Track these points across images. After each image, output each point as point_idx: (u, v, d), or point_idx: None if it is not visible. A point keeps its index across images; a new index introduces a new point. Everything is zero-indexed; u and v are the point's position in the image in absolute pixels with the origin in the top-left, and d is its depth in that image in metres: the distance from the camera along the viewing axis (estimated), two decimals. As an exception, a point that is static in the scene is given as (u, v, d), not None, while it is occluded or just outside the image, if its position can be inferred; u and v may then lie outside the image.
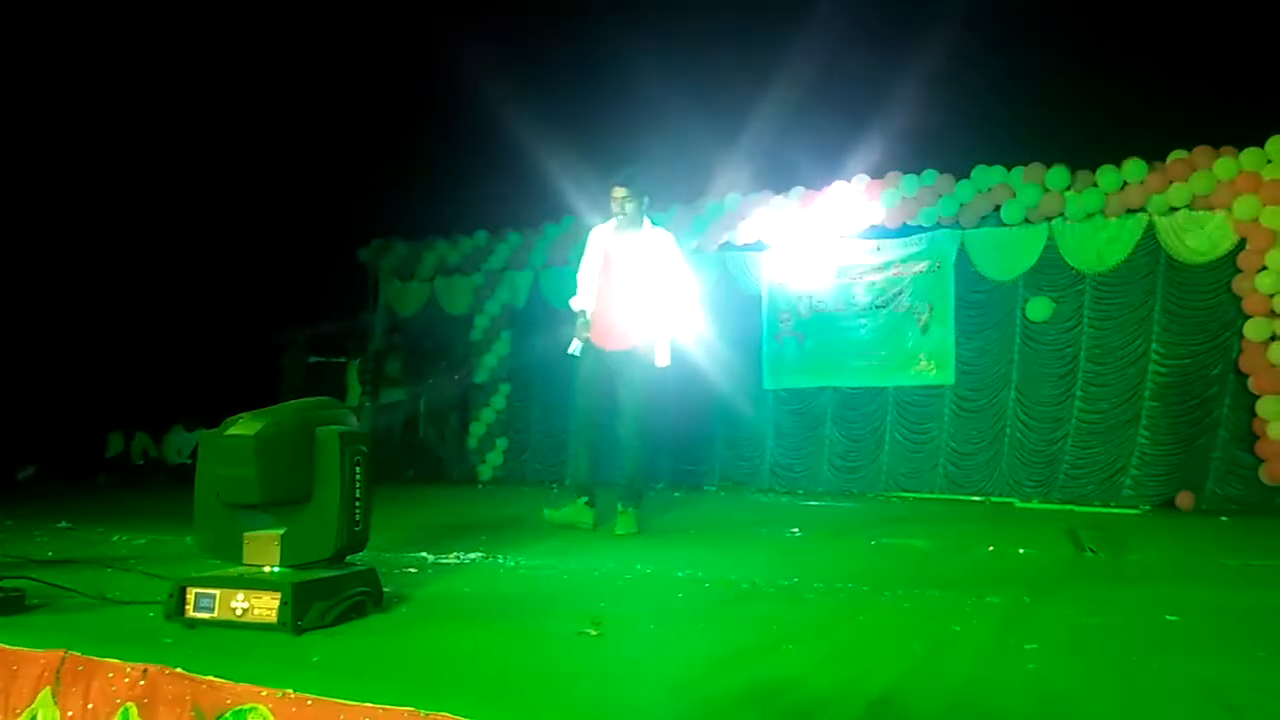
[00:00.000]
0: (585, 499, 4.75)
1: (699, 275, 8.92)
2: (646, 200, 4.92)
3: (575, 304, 4.98)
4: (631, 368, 4.73)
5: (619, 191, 4.83)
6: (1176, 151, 7.16)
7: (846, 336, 8.40)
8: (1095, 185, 7.36)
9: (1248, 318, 6.82)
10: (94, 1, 9.19)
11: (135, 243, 10.59)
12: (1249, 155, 6.88)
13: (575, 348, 4.90)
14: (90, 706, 1.79)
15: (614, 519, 4.64)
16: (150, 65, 9.85)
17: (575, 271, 5.13)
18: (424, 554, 3.57)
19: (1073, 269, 7.53)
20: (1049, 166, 7.50)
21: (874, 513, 6.01)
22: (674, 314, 4.88)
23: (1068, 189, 7.46)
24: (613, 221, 4.96)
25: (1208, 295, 7.10)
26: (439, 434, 9.67)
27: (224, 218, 10.84)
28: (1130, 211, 7.31)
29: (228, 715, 1.65)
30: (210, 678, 1.71)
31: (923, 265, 8.10)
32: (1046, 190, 7.51)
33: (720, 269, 8.93)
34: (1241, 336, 6.85)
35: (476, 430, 9.85)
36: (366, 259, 10.64)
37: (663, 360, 4.79)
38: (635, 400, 4.73)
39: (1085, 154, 7.46)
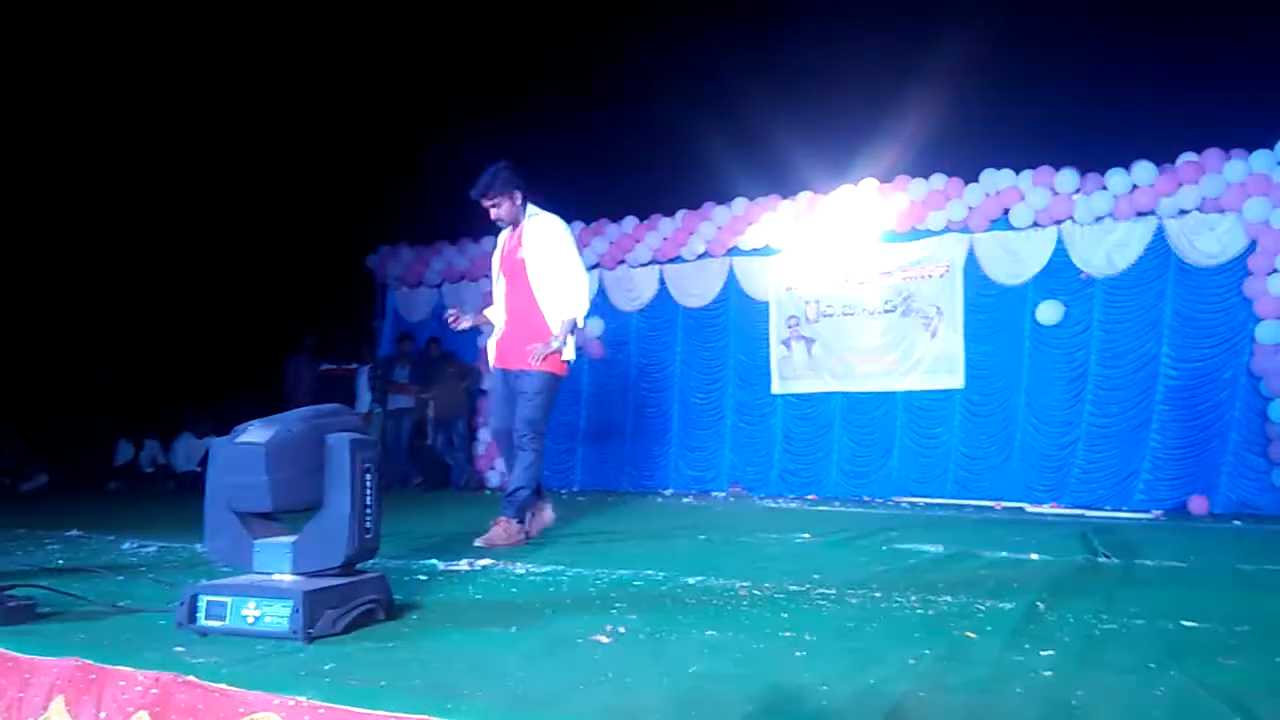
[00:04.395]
0: None
1: (707, 280, 8.98)
2: (519, 195, 4.42)
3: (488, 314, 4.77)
4: (522, 382, 4.40)
5: (483, 203, 4.39)
6: (1186, 154, 7.14)
7: (855, 341, 8.38)
8: (1104, 188, 7.34)
9: (1259, 320, 6.80)
10: (93, 10, 9.25)
11: (144, 251, 10.63)
12: (1259, 157, 6.87)
13: (458, 321, 4.68)
14: (103, 715, 1.79)
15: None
16: (157, 74, 9.90)
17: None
18: (434, 561, 3.57)
19: (1082, 272, 7.52)
20: (1058, 169, 7.49)
21: (884, 518, 5.98)
22: (562, 303, 4.41)
23: (1077, 192, 7.44)
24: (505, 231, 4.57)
25: (1218, 298, 7.07)
26: (447, 441, 9.68)
27: (232, 226, 10.89)
28: (1140, 214, 7.29)
29: (240, 724, 1.65)
30: (222, 686, 1.71)
31: (931, 269, 8.08)
32: (1055, 193, 7.48)
33: (728, 274, 8.92)
34: (1253, 339, 6.83)
35: (484, 437, 9.86)
36: (374, 265, 10.67)
37: (567, 354, 4.45)
38: (522, 415, 4.39)
39: (1094, 157, 7.45)
